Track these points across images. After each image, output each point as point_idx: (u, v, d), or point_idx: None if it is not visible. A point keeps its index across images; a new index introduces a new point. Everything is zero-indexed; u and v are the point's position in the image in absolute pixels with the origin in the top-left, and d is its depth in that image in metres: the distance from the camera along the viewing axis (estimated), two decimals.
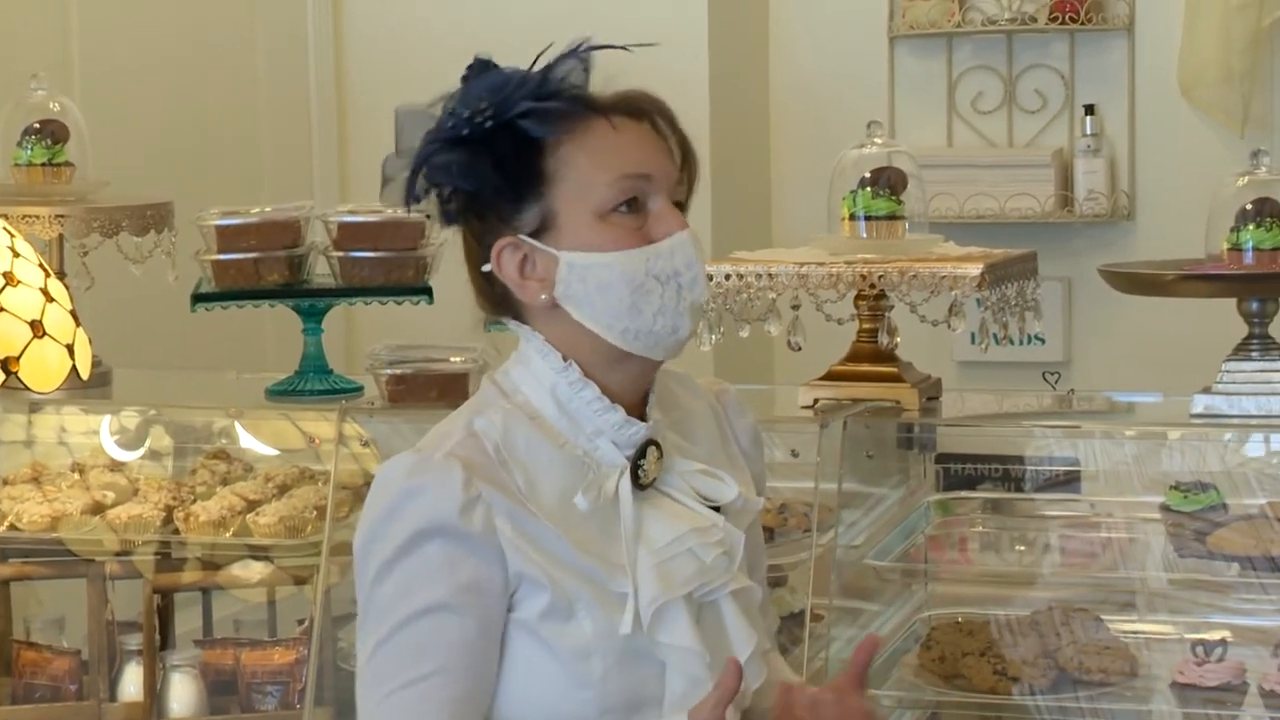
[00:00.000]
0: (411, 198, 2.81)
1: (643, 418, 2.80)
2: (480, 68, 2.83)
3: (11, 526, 4.04)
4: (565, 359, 2.79)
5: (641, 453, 2.78)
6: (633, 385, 2.81)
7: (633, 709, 2.77)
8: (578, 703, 2.74)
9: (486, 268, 2.78)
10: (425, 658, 2.67)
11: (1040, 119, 6.64)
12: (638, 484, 2.78)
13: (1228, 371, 3.90)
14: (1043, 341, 4.60)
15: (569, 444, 2.78)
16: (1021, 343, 4.39)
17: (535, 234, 2.75)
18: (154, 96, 5.56)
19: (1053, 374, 4.91)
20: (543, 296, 2.75)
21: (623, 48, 2.83)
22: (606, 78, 2.85)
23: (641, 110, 2.80)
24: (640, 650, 2.73)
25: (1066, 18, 6.49)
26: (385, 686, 2.70)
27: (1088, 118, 6.53)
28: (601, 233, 2.75)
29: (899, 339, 4.08)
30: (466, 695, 2.71)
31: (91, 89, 4.70)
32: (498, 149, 2.74)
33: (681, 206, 2.84)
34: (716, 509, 2.86)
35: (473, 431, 2.73)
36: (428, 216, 2.97)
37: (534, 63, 2.80)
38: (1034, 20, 6.52)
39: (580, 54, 2.81)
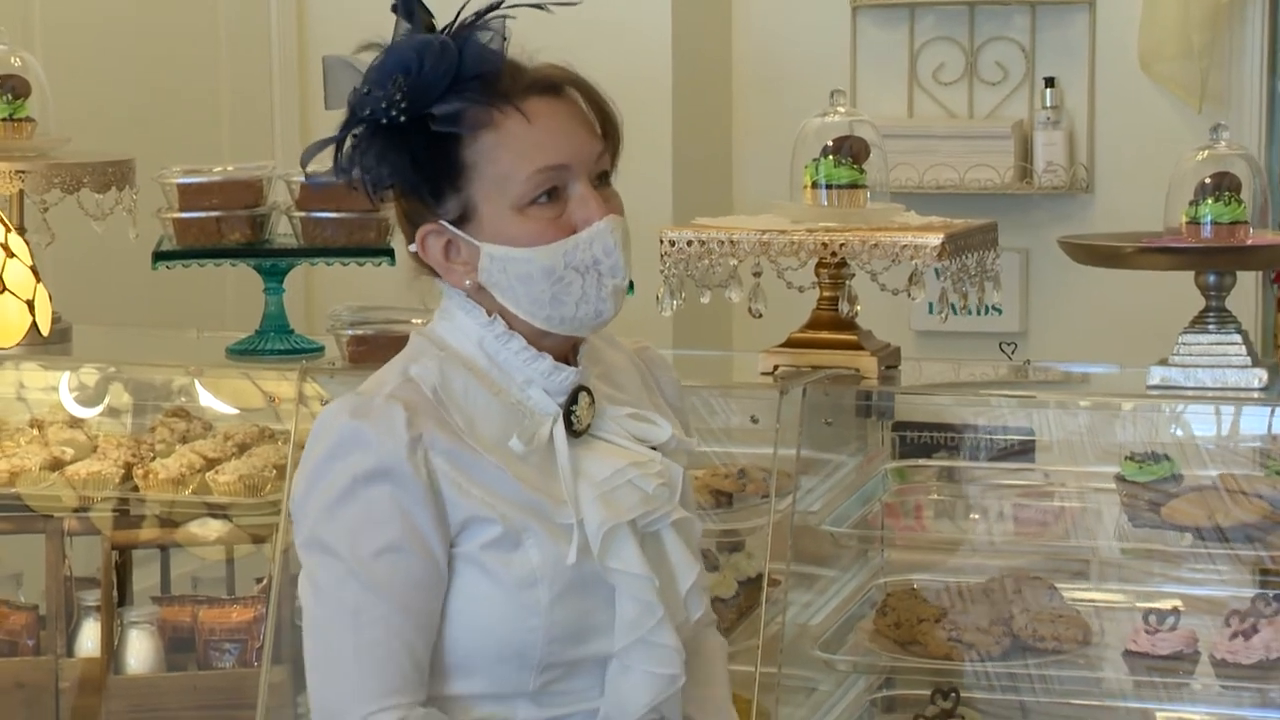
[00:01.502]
0: (340, 171, 2.84)
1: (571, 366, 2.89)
2: (405, 5, 2.89)
3: None
4: (489, 313, 2.85)
5: (573, 399, 2.85)
6: (559, 344, 2.87)
7: (579, 639, 2.81)
8: (524, 632, 2.76)
9: (413, 247, 2.84)
10: (379, 599, 2.70)
11: (1000, 91, 6.69)
12: (571, 430, 2.84)
13: (1184, 344, 3.92)
14: (1000, 312, 4.62)
15: (503, 392, 2.83)
16: (979, 313, 4.46)
17: (457, 222, 2.80)
18: (115, 52, 5.54)
19: (1009, 344, 4.89)
20: (467, 281, 2.81)
21: (539, 6, 2.85)
22: (560, 47, 2.87)
23: (558, 87, 2.84)
24: (586, 580, 2.78)
25: None
26: (337, 627, 2.73)
27: (1048, 90, 6.59)
28: (520, 225, 2.79)
29: (859, 307, 4.09)
30: (418, 632, 2.75)
31: (53, 44, 4.68)
32: (413, 142, 2.78)
33: (606, 175, 2.87)
34: (652, 449, 2.93)
35: (409, 377, 2.78)
36: (354, 187, 2.96)
37: (454, 20, 2.83)
38: None
39: (486, 22, 2.86)
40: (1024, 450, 4.16)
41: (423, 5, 2.87)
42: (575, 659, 2.81)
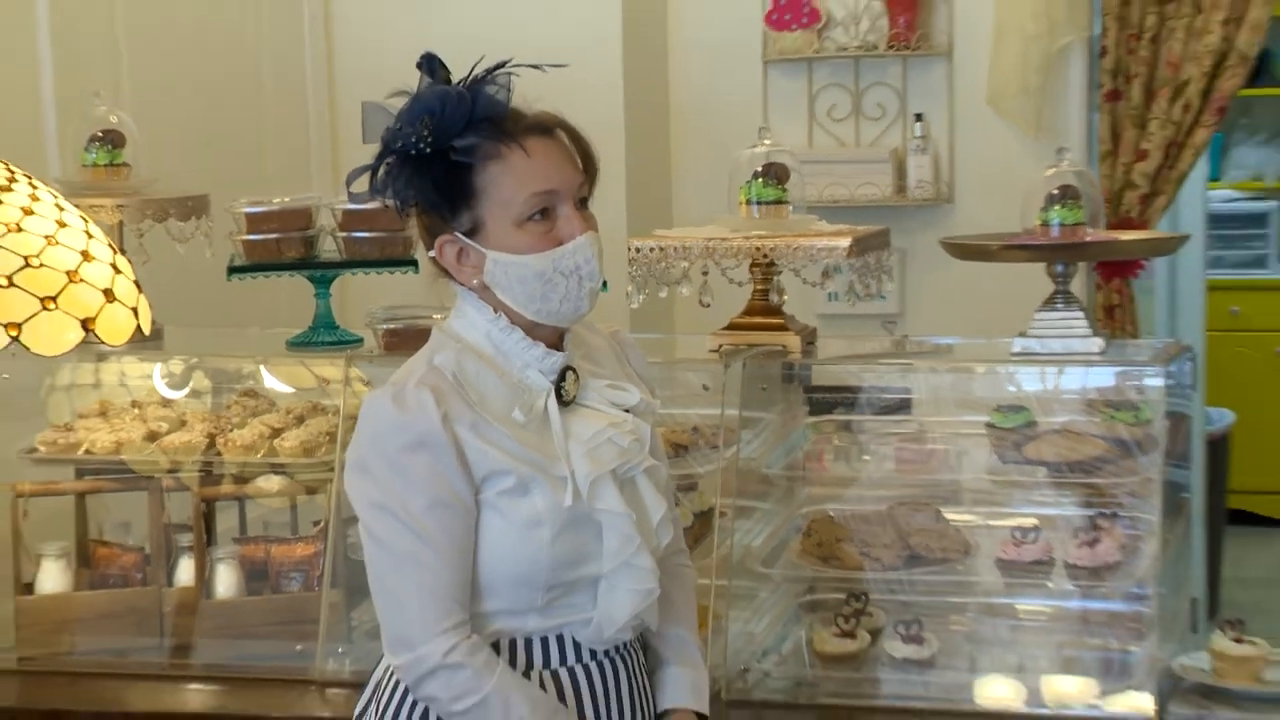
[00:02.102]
0: (375, 192, 2.89)
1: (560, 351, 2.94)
2: (429, 63, 2.89)
3: (87, 451, 4.05)
4: (495, 311, 2.89)
5: (562, 376, 2.89)
6: (549, 334, 2.91)
7: (575, 564, 2.85)
8: (532, 560, 2.81)
9: (432, 253, 2.90)
10: (429, 546, 2.75)
11: (880, 125, 6.71)
12: (561, 401, 2.89)
13: (1038, 320, 3.96)
14: (884, 299, 4.64)
15: (506, 374, 2.86)
16: (871, 300, 4.45)
17: (468, 233, 2.84)
18: (187, 107, 5.55)
19: (890, 323, 4.95)
20: (475, 281, 2.86)
21: (537, 67, 2.88)
22: (538, 95, 2.92)
23: (550, 129, 2.88)
24: (579, 519, 2.82)
25: (901, 45, 6.52)
26: (399, 573, 2.80)
27: (917, 123, 6.60)
28: (519, 238, 2.83)
29: (786, 297, 4.13)
30: (461, 569, 2.80)
31: (140, 103, 4.75)
32: (435, 169, 2.81)
33: (585, 200, 2.93)
34: (626, 412, 2.98)
35: (434, 366, 2.83)
36: (386, 205, 2.96)
37: (469, 74, 2.86)
38: (875, 48, 6.57)
39: (495, 78, 2.88)
40: (919, 404, 4.14)
41: (441, 63, 2.90)
42: (572, 580, 2.85)
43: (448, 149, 2.82)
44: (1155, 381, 3.89)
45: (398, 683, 2.93)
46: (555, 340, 2.92)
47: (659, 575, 2.96)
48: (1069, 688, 3.70)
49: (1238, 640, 3.50)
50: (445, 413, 2.79)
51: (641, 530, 2.91)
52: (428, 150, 2.81)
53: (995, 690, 3.69)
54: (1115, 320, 6.05)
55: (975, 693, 3.73)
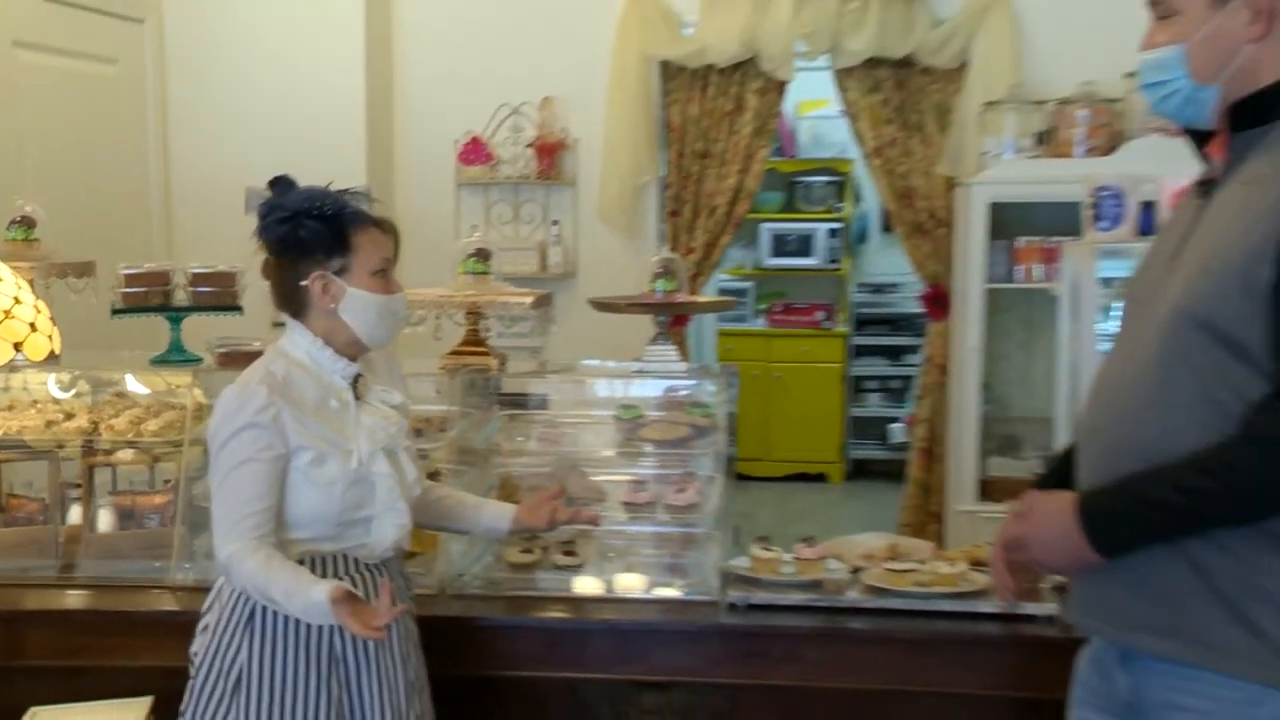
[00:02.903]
0: (265, 235, 2.86)
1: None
2: (282, 180, 2.90)
3: (5, 434, 3.90)
4: (316, 337, 2.88)
5: (356, 381, 2.93)
6: (351, 353, 2.92)
7: (358, 508, 2.88)
8: (328, 507, 2.85)
9: (304, 282, 2.85)
10: (246, 485, 2.77)
11: (531, 227, 6.78)
12: (356, 398, 2.92)
13: (648, 350, 4.02)
14: (545, 337, 4.81)
15: (318, 379, 2.88)
16: (529, 336, 4.76)
17: (337, 272, 2.85)
18: (78, 201, 5.42)
19: (536, 350, 5.19)
20: (331, 306, 2.86)
21: (365, 194, 2.96)
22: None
23: (386, 227, 2.95)
24: (361, 478, 2.87)
25: (544, 178, 6.64)
26: (228, 500, 2.80)
27: (554, 227, 6.70)
28: (369, 283, 2.87)
29: (491, 333, 4.15)
30: (265, 500, 2.79)
31: (46, 198, 4.56)
32: (330, 225, 2.83)
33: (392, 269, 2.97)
34: (393, 408, 3.00)
35: (269, 371, 2.84)
36: (276, 251, 2.91)
37: (328, 185, 2.89)
38: (528, 178, 6.68)
39: (355, 191, 2.92)
40: (577, 404, 4.07)
41: (291, 181, 2.91)
42: (354, 519, 2.90)
43: (340, 214, 2.84)
44: (712, 388, 3.89)
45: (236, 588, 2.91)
46: (353, 357, 2.93)
47: (411, 516, 2.99)
48: (667, 580, 3.69)
49: (765, 549, 3.55)
50: (273, 403, 2.79)
51: (401, 486, 2.95)
52: (329, 212, 2.84)
53: (626, 581, 3.65)
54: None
55: (614, 586, 3.65)
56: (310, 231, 2.85)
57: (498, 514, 3.27)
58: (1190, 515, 2.13)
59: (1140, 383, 2.21)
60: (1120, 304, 4.42)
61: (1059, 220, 5.62)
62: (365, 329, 2.91)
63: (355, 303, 2.89)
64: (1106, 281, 4.60)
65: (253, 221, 2.91)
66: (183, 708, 2.94)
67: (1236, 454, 2.09)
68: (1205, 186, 2.31)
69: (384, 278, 2.92)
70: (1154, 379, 2.18)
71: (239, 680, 2.85)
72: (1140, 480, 2.17)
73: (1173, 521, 2.14)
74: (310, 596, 2.70)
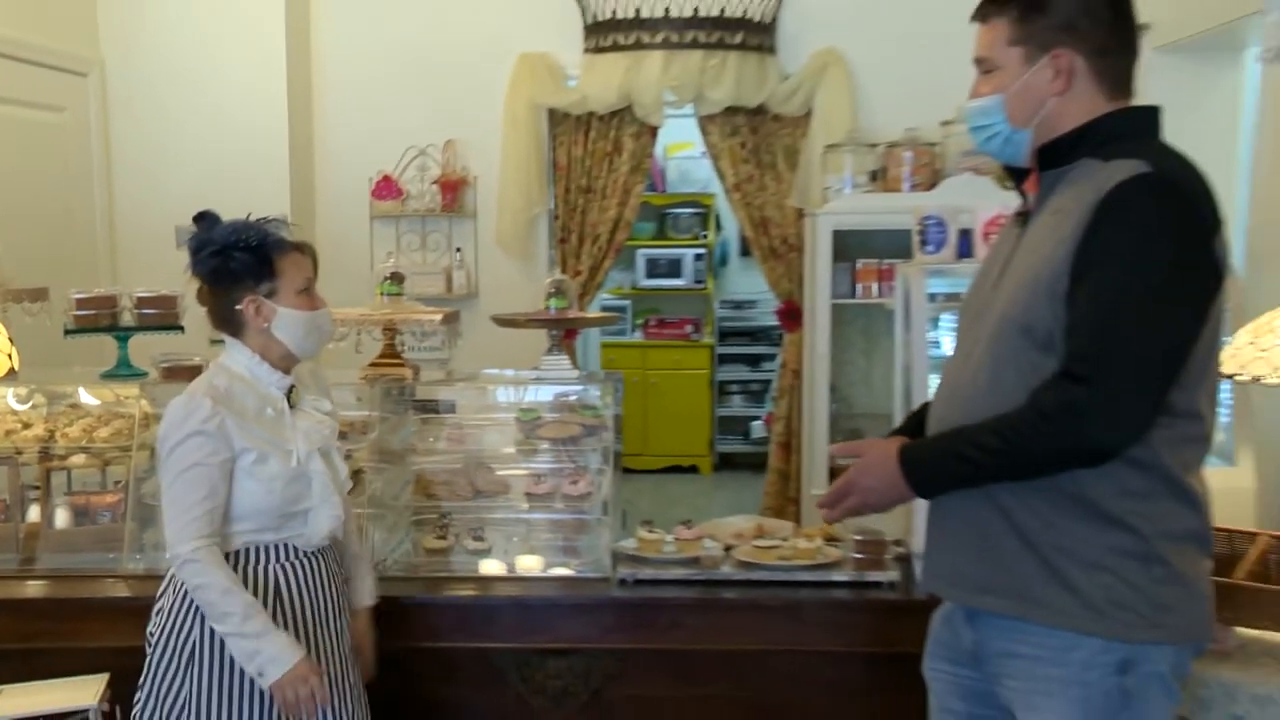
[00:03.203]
0: (198, 267, 2.82)
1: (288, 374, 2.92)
2: (206, 215, 2.85)
3: None
4: (253, 353, 2.85)
5: (289, 391, 2.91)
6: (285, 366, 2.90)
7: (296, 503, 2.86)
8: (269, 501, 2.81)
9: (239, 307, 2.82)
10: (195, 487, 2.73)
11: (437, 254, 6.68)
12: (291, 405, 2.90)
13: (543, 360, 4.00)
14: (453, 349, 4.63)
15: (255, 389, 2.85)
16: (438, 349, 4.66)
17: (267, 295, 2.83)
18: (32, 232, 5.31)
19: (444, 361, 5.19)
20: (265, 325, 2.84)
21: (284, 221, 2.89)
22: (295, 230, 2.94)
23: (306, 249, 2.91)
24: (299, 476, 2.85)
25: (448, 211, 6.56)
26: (180, 500, 2.75)
27: (458, 253, 6.63)
28: (296, 302, 2.85)
29: (406, 347, 4.10)
30: (213, 500, 2.75)
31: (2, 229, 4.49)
32: (257, 254, 2.80)
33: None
34: (324, 414, 2.98)
35: (212, 384, 2.82)
36: (199, 276, 2.87)
37: (248, 217, 2.84)
38: (434, 211, 6.59)
39: (274, 220, 2.86)
40: (484, 409, 4.00)
41: (215, 216, 2.85)
42: (293, 511, 2.87)
43: (264, 243, 2.81)
44: (599, 393, 3.87)
45: None
46: (287, 370, 2.91)
47: (344, 508, 2.97)
48: (564, 560, 3.69)
49: (649, 531, 3.57)
50: (217, 413, 2.76)
51: (334, 482, 2.94)
52: (254, 243, 2.80)
53: (528, 562, 3.64)
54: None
55: (518, 566, 3.64)
56: (239, 263, 2.81)
57: (358, 592, 3.16)
58: (982, 466, 2.24)
59: (976, 379, 2.33)
60: (946, 316, 4.54)
61: (892, 244, 5.68)
62: (295, 343, 2.89)
63: (285, 320, 2.86)
64: (933, 297, 4.57)
65: (185, 254, 2.86)
66: (141, 681, 2.90)
67: (1020, 419, 2.19)
68: (1022, 217, 2.42)
69: (308, 295, 2.90)
70: (986, 376, 2.30)
71: (192, 654, 2.82)
72: (950, 436, 2.30)
73: (971, 470, 2.26)
74: (281, 640, 2.74)
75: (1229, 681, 2.74)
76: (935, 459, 2.32)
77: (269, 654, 2.73)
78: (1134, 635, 2.23)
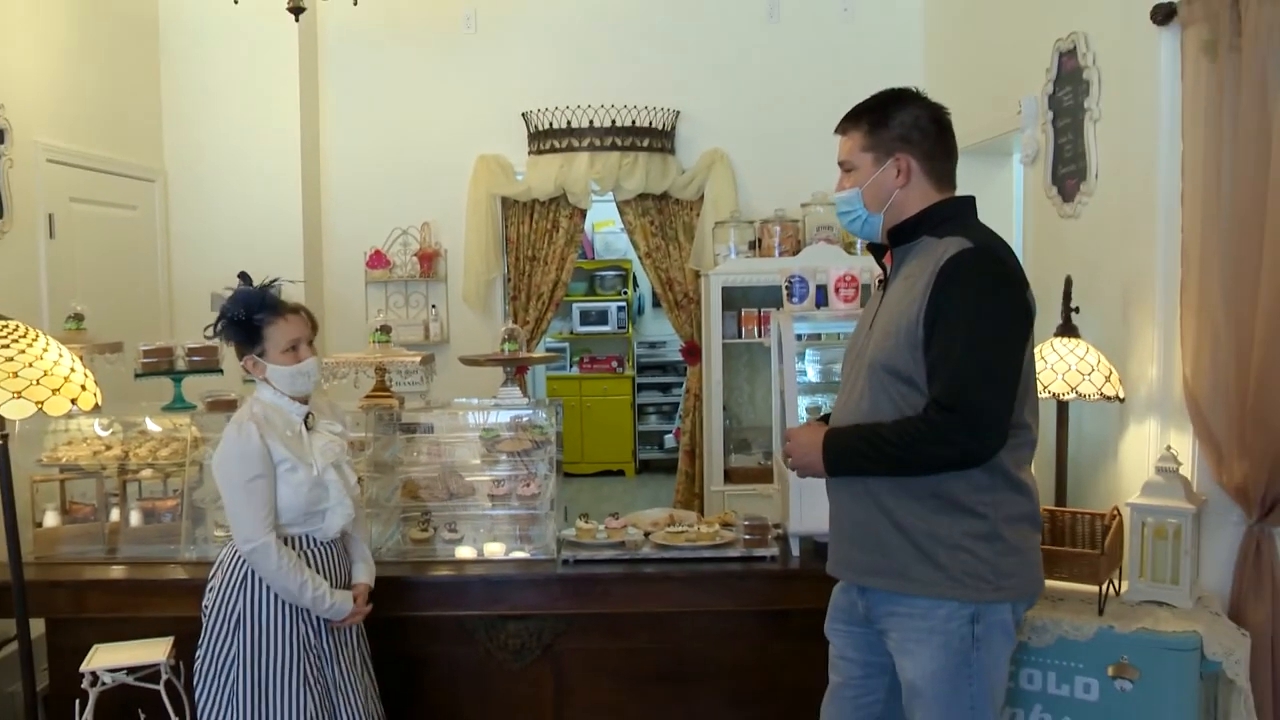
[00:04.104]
0: (216, 334, 2.85)
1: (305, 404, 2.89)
2: (244, 276, 2.86)
3: (66, 461, 3.83)
4: (275, 389, 2.83)
5: (306, 417, 2.88)
6: (301, 398, 2.87)
7: (316, 503, 2.83)
8: (297, 502, 2.79)
9: (243, 363, 2.86)
10: (258, 493, 2.72)
11: (417, 310, 6.46)
12: (308, 428, 2.88)
13: (501, 391, 3.90)
14: (430, 381, 4.29)
15: (283, 416, 2.83)
16: (419, 383, 4.55)
17: (259, 355, 2.82)
18: (108, 301, 5.24)
19: (424, 393, 4.76)
20: (262, 376, 2.85)
21: (278, 289, 2.83)
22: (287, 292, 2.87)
23: (299, 311, 2.87)
24: (318, 484, 2.83)
25: (425, 277, 6.34)
26: (248, 505, 2.72)
27: (433, 309, 6.40)
28: (284, 359, 2.82)
29: (393, 382, 4.11)
30: (271, 505, 2.75)
31: (88, 300, 4.35)
32: (246, 326, 2.79)
33: (311, 341, 2.88)
34: (337, 435, 2.95)
35: (253, 412, 2.80)
36: (217, 340, 2.93)
37: (264, 283, 2.79)
38: (415, 276, 6.34)
39: (270, 285, 2.82)
40: (456, 429, 3.89)
41: (249, 276, 2.84)
42: (314, 510, 2.84)
43: (252, 319, 2.77)
44: (545, 415, 3.78)
45: (234, 558, 2.84)
46: (304, 400, 2.90)
47: (355, 508, 2.94)
48: (520, 546, 3.61)
49: (585, 522, 3.50)
50: (261, 435, 2.74)
51: (346, 488, 2.90)
52: (242, 318, 2.78)
53: (492, 548, 3.58)
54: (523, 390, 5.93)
55: (484, 551, 3.56)
56: (232, 335, 2.83)
57: (360, 573, 3.07)
58: (880, 457, 2.26)
59: (860, 405, 2.38)
60: (810, 351, 4.66)
61: (766, 297, 5.79)
62: (285, 386, 2.87)
63: (274, 373, 2.85)
64: (799, 336, 4.66)
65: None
66: (200, 642, 2.90)
67: (914, 425, 2.24)
68: (883, 283, 2.47)
69: (294, 352, 2.83)
70: (867, 403, 2.36)
71: (239, 621, 2.84)
72: (863, 429, 2.33)
73: (872, 458, 2.28)
74: (337, 595, 2.78)
75: (1049, 617, 2.91)
76: (846, 446, 2.33)
77: (331, 602, 2.81)
78: (983, 597, 2.29)
